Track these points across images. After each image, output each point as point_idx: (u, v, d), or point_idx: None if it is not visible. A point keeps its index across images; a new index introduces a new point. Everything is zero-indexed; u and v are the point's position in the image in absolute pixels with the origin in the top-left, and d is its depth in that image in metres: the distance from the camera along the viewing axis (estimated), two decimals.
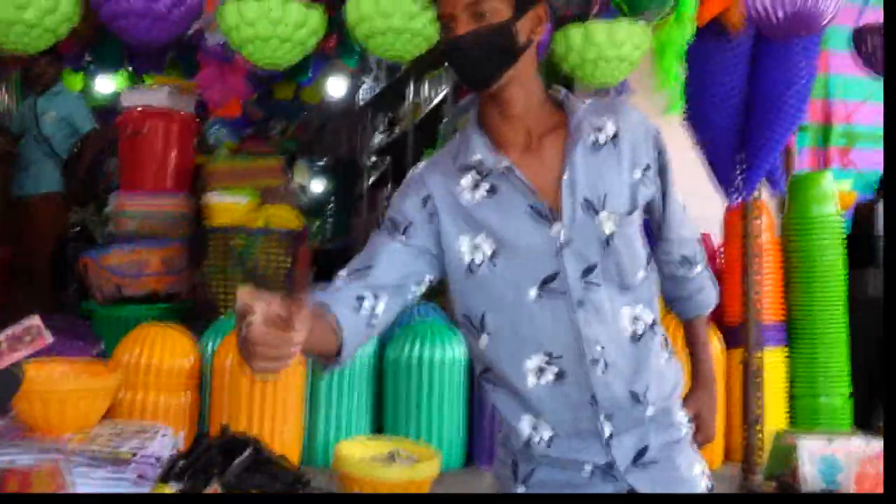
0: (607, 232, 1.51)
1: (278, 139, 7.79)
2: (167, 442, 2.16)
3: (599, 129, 1.56)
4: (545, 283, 1.51)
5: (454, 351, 2.77)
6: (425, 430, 2.80)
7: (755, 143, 2.66)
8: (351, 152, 8.56)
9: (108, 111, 6.98)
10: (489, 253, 1.53)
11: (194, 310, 4.09)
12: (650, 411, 1.53)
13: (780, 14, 2.30)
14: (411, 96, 6.37)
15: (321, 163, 8.62)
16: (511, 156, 1.54)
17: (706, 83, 2.66)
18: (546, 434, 1.54)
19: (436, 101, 5.76)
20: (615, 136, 1.57)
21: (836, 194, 3.17)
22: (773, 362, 3.05)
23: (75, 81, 6.83)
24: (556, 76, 2.97)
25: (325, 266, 7.26)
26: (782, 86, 2.59)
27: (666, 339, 1.62)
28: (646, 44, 2.84)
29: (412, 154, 6.28)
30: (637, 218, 1.57)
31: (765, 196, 2.97)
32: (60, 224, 4.98)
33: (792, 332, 3.13)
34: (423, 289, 1.58)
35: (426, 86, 6.07)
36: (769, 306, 3.05)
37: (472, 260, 1.54)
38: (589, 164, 1.53)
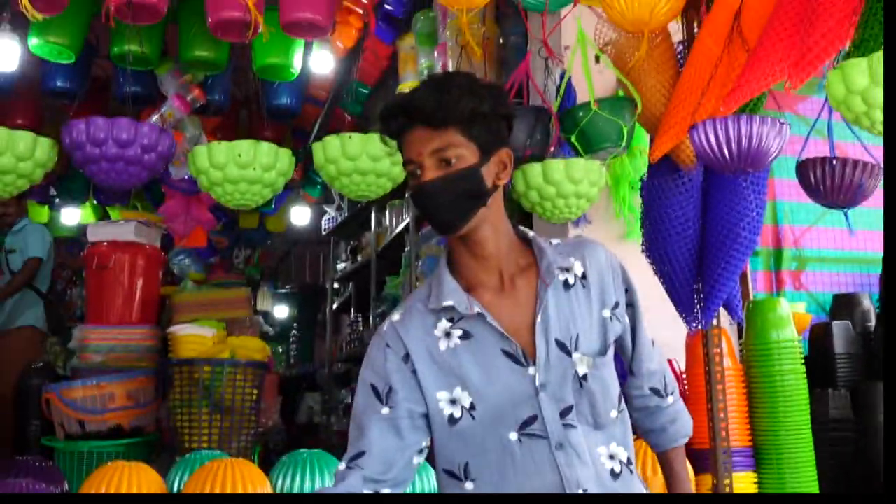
0: (581, 373, 1.55)
1: (243, 267, 7.85)
2: None
3: (567, 270, 1.61)
4: (524, 426, 1.53)
5: (429, 483, 2.75)
6: None
7: (710, 274, 2.75)
8: (314, 279, 8.61)
9: (73, 242, 7.01)
10: (467, 405, 1.55)
11: (160, 444, 4.04)
12: None
13: (727, 153, 2.41)
14: (374, 225, 6.48)
15: (285, 290, 8.65)
16: (484, 298, 1.57)
17: (661, 217, 2.76)
18: None
19: (398, 229, 5.87)
20: (583, 276, 1.62)
21: (791, 318, 3.25)
22: (743, 487, 3.06)
23: (41, 213, 6.88)
24: (520, 213, 3.08)
25: (290, 393, 7.22)
26: (734, 218, 2.70)
27: (640, 479, 1.64)
28: (602, 180, 2.96)
29: (375, 281, 6.34)
30: (610, 358, 1.61)
31: (725, 322, 3.04)
32: (34, 359, 4.94)
33: (759, 457, 3.16)
34: (424, 454, 1.60)
35: (388, 214, 6.19)
36: (735, 431, 3.08)
37: (452, 414, 1.56)
38: (560, 305, 1.58)
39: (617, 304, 1.65)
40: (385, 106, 1.60)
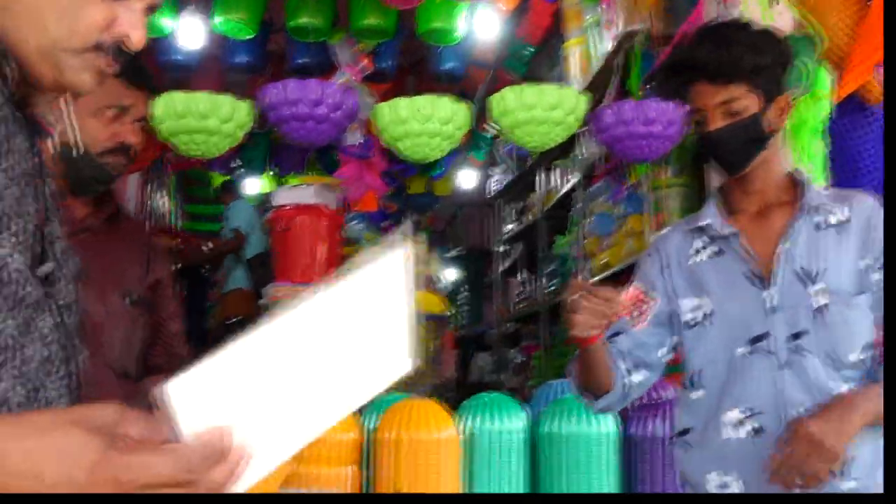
0: (817, 304, 1.61)
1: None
2: None
3: (830, 213, 1.70)
4: (755, 341, 1.65)
5: (607, 425, 2.79)
6: None
7: None
8: (482, 241, 8.73)
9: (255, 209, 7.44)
10: (707, 312, 1.71)
11: None
12: (850, 485, 1.55)
13: None
14: (541, 185, 6.51)
15: (454, 252, 8.82)
16: (739, 222, 1.74)
17: (853, 155, 2.70)
18: (735, 490, 1.60)
19: (565, 189, 5.88)
20: (842, 222, 1.67)
21: None
22: None
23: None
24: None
25: (461, 354, 7.39)
26: None
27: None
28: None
29: (543, 241, 6.38)
30: (859, 302, 1.64)
31: None
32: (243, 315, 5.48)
33: None
34: (670, 353, 1.81)
35: (555, 174, 6.21)
36: None
37: (693, 318, 1.73)
38: (810, 239, 1.68)
39: (875, 261, 1.66)
40: (668, 62, 1.78)
